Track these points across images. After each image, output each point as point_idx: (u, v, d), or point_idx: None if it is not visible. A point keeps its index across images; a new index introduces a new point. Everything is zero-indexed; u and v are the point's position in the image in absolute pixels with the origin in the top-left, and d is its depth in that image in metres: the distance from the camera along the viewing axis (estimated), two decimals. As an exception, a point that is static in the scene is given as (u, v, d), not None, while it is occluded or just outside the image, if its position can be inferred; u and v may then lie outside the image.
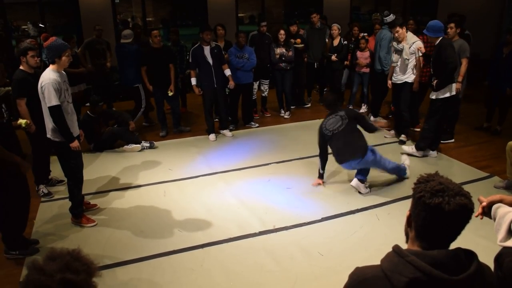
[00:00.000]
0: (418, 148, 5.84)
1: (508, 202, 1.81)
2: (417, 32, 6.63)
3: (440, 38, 5.43)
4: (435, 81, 5.53)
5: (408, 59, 6.14)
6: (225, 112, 7.13)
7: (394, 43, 6.33)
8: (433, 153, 5.98)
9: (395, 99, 6.65)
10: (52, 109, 3.95)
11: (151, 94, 7.28)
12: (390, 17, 7.26)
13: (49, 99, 3.92)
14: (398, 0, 13.70)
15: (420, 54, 6.03)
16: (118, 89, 8.90)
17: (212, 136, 6.98)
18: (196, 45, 6.73)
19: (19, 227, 3.93)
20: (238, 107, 7.59)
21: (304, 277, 3.55)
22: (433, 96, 5.65)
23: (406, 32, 6.17)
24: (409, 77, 6.23)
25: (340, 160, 4.91)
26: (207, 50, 6.59)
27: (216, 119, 7.52)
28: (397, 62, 6.32)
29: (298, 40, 7.94)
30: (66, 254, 1.27)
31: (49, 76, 3.94)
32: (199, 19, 11.43)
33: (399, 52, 6.24)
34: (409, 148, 5.88)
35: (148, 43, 7.30)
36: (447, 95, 5.56)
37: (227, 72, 6.83)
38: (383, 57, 7.09)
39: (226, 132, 7.13)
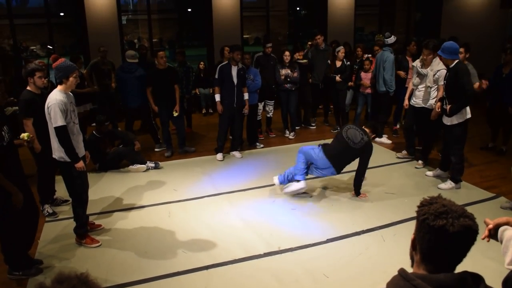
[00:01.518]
0: (455, 181, 5.59)
1: (515, 225, 1.79)
2: (418, 55, 6.63)
3: (456, 62, 5.25)
4: (449, 106, 5.33)
5: (431, 87, 6.00)
6: (239, 133, 7.16)
7: (418, 66, 6.17)
8: (443, 174, 5.88)
9: (409, 119, 6.59)
10: (58, 129, 3.99)
11: (156, 115, 7.33)
12: (391, 39, 7.31)
13: (55, 119, 3.96)
14: (402, 21, 13.85)
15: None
16: (124, 110, 8.96)
17: (219, 156, 6.99)
18: (225, 63, 6.79)
19: (24, 247, 3.93)
20: (243, 128, 7.61)
21: (309, 299, 3.51)
22: (448, 122, 5.42)
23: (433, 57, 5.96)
24: (429, 103, 6.08)
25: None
26: (234, 70, 6.66)
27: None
28: (417, 85, 6.19)
29: (301, 56, 7.98)
30: (74, 277, 1.27)
31: (55, 97, 3.99)
32: (205, 40, 11.55)
33: (422, 76, 6.11)
34: (447, 185, 5.59)
35: (153, 64, 7.39)
36: (465, 118, 5.37)
37: (246, 96, 6.91)
38: (388, 79, 7.11)
39: (236, 153, 7.13)
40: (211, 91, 9.85)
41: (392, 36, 7.34)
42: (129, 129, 7.68)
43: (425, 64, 6.05)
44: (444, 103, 5.46)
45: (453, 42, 5.36)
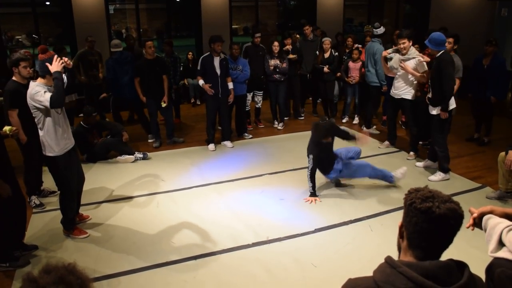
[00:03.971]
0: (444, 171, 5.62)
1: (499, 213, 1.83)
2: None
3: (442, 52, 5.31)
4: (432, 94, 5.44)
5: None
6: (228, 123, 7.15)
7: (399, 57, 6.08)
8: (434, 164, 5.94)
9: (391, 109, 6.64)
10: (52, 102, 3.78)
11: (144, 105, 7.28)
12: (381, 29, 7.33)
13: (44, 99, 3.78)
14: (391, 13, 13.87)
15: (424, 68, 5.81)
16: (114, 101, 8.87)
17: (211, 146, 6.99)
18: (207, 54, 6.77)
19: (12, 239, 3.90)
20: (232, 118, 7.60)
21: (297, 288, 3.54)
22: (433, 111, 5.48)
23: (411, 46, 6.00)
24: (408, 92, 6.11)
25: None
26: (216, 60, 6.65)
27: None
28: (395, 75, 6.20)
29: (290, 55, 7.92)
30: (61, 267, 1.27)
31: (31, 90, 3.85)
32: (193, 31, 11.47)
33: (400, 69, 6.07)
34: (437, 176, 5.62)
35: (142, 54, 7.31)
36: (449, 109, 5.42)
37: (230, 85, 6.89)
38: (381, 73, 7.12)
39: (228, 143, 7.13)
40: (199, 81, 9.81)
41: (382, 26, 7.35)
42: (117, 120, 7.61)
43: (402, 54, 6.03)
44: (429, 91, 5.56)
45: (441, 33, 5.40)
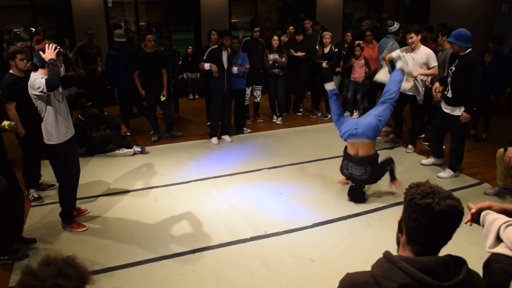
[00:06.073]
0: (454, 170, 5.58)
1: (497, 209, 1.83)
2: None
3: (470, 50, 5.06)
4: (452, 94, 5.24)
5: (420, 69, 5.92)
6: (229, 117, 7.16)
7: (410, 55, 5.96)
8: (438, 161, 5.94)
9: (399, 104, 6.42)
10: (48, 85, 3.80)
11: (143, 99, 7.25)
12: (395, 27, 7.25)
13: (42, 85, 3.79)
14: (390, 7, 13.83)
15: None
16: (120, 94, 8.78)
17: (215, 140, 7.01)
18: (216, 47, 6.76)
19: (10, 232, 3.90)
20: (231, 113, 7.59)
21: (295, 283, 3.55)
22: (453, 112, 5.32)
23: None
24: (417, 90, 6.05)
25: None
26: (225, 54, 6.66)
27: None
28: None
29: (299, 53, 7.84)
30: (60, 260, 1.28)
31: (30, 79, 3.88)
32: (192, 24, 11.43)
33: (415, 65, 5.94)
34: (446, 173, 5.58)
35: (140, 48, 7.27)
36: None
37: (235, 70, 6.90)
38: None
39: (226, 137, 7.14)
40: (198, 76, 9.78)
41: (396, 23, 7.28)
42: (126, 115, 7.50)
43: (413, 49, 5.93)
44: (447, 90, 5.36)
45: (466, 29, 5.14)
